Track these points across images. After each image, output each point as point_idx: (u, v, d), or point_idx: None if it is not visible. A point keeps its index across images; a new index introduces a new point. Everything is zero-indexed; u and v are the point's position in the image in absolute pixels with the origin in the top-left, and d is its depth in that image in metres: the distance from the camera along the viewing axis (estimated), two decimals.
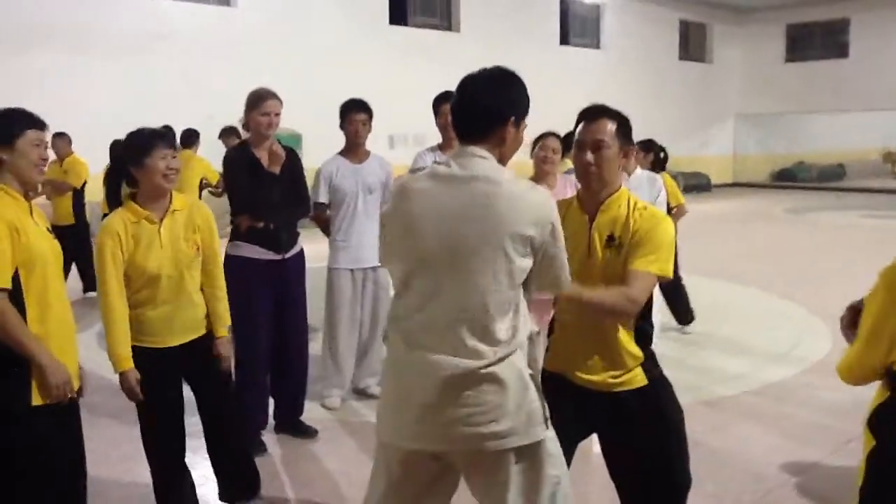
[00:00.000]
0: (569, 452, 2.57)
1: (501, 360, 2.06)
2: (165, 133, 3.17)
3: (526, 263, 2.10)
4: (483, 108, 2.17)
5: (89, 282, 8.03)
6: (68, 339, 2.71)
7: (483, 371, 2.04)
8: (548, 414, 2.17)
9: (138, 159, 3.02)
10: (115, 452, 4.14)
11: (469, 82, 2.20)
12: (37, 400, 2.58)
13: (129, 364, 3.01)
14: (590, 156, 2.48)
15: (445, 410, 2.07)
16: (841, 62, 22.85)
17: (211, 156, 8.48)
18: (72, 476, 2.75)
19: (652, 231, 2.46)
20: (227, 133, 8.54)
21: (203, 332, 3.28)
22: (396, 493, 2.23)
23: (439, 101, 4.70)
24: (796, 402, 5.06)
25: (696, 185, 21.38)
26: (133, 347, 3.05)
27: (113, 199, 2.98)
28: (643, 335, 2.56)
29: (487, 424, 2.06)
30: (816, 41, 23.99)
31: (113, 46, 12.18)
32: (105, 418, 4.56)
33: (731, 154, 25.46)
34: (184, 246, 3.13)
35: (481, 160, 2.13)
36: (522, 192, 2.11)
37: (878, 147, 29.01)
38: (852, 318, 1.72)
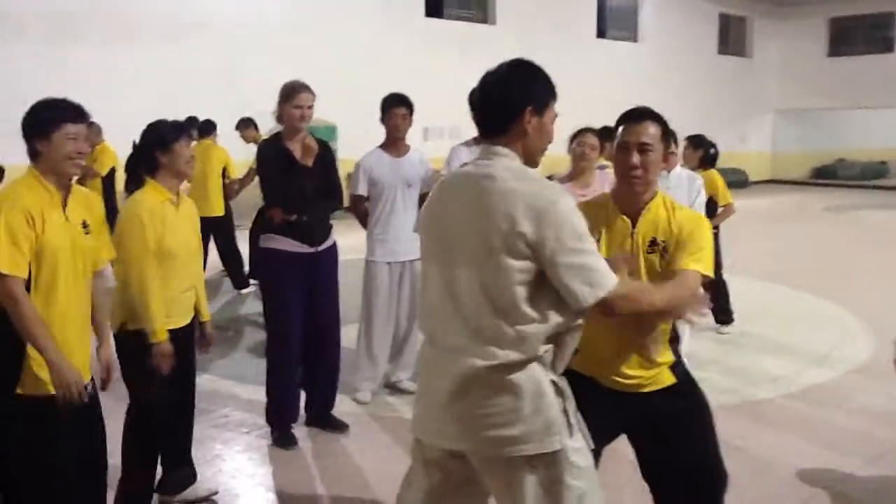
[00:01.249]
0: (595, 456, 2.53)
1: (515, 363, 2.00)
2: (186, 125, 3.35)
3: (522, 265, 1.96)
4: (496, 102, 2.12)
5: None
6: (73, 337, 2.65)
7: (495, 373, 2.00)
8: (573, 423, 2.10)
9: (166, 145, 3.17)
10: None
11: (485, 77, 2.16)
12: (30, 389, 2.55)
13: (165, 335, 3.15)
14: (636, 158, 2.43)
15: (460, 410, 2.05)
16: (886, 57, 22.31)
17: (238, 149, 8.55)
18: (86, 475, 2.71)
19: (696, 232, 2.44)
20: (244, 124, 8.58)
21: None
22: (437, 492, 2.21)
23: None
24: (836, 407, 4.93)
25: (734, 181, 20.88)
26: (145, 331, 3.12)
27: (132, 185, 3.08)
28: (675, 336, 2.54)
29: (500, 428, 2.01)
30: (860, 35, 23.44)
31: (148, 35, 12.21)
32: None
33: (770, 150, 25.01)
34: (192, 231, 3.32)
35: (499, 158, 2.08)
36: (519, 187, 1.99)
37: None
38: None
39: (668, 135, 2.51)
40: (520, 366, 2.00)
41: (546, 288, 2.01)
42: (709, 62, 22.16)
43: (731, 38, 23.57)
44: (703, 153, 6.27)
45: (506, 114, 2.10)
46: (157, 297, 3.11)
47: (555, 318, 2.02)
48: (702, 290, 2.39)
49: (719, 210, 6.18)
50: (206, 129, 8.23)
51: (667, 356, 2.51)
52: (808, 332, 6.72)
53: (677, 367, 2.53)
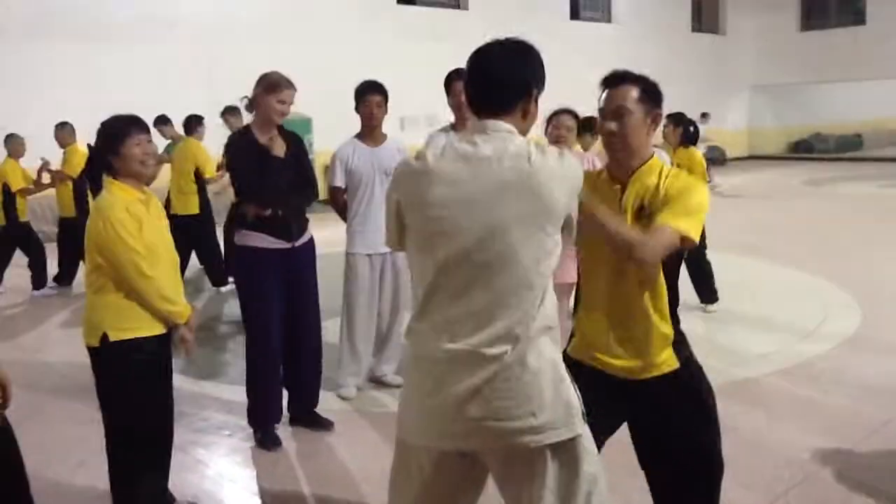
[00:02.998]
0: (598, 446, 2.45)
1: (531, 346, 1.92)
2: (139, 119, 3.10)
3: (556, 239, 2.00)
4: (506, 80, 2.03)
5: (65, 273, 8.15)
6: None
7: (514, 360, 1.91)
8: (583, 407, 2.03)
9: (114, 147, 2.99)
10: (71, 456, 4.02)
11: (486, 53, 2.05)
12: None
13: (189, 310, 3.12)
14: (612, 124, 2.34)
15: (477, 405, 1.93)
16: (857, 29, 22.41)
17: (218, 144, 8.37)
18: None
19: (684, 191, 2.30)
20: (230, 112, 8.39)
21: None
22: (430, 495, 2.11)
23: (451, 79, 4.55)
24: (827, 382, 4.89)
25: (711, 158, 20.99)
26: (133, 340, 2.98)
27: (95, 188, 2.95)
28: (675, 315, 2.42)
29: (525, 418, 1.92)
30: (832, 8, 23.52)
31: (122, 34, 12.11)
32: (61, 422, 4.49)
33: (747, 127, 25.08)
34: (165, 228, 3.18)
35: (509, 135, 1.99)
36: (554, 164, 1.97)
37: (895, 116, 28.51)
38: None
39: (652, 94, 2.37)
40: (535, 348, 1.93)
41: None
42: (683, 41, 22.16)
43: (705, 15, 23.58)
44: (683, 130, 6.22)
45: (514, 94, 2.03)
46: (163, 281, 3.00)
47: (554, 301, 2.03)
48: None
49: None
50: (190, 124, 8.06)
51: (665, 338, 2.39)
52: (794, 307, 6.70)
53: (681, 351, 2.43)
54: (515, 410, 1.91)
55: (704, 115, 16.30)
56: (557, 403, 1.94)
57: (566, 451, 1.98)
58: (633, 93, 2.34)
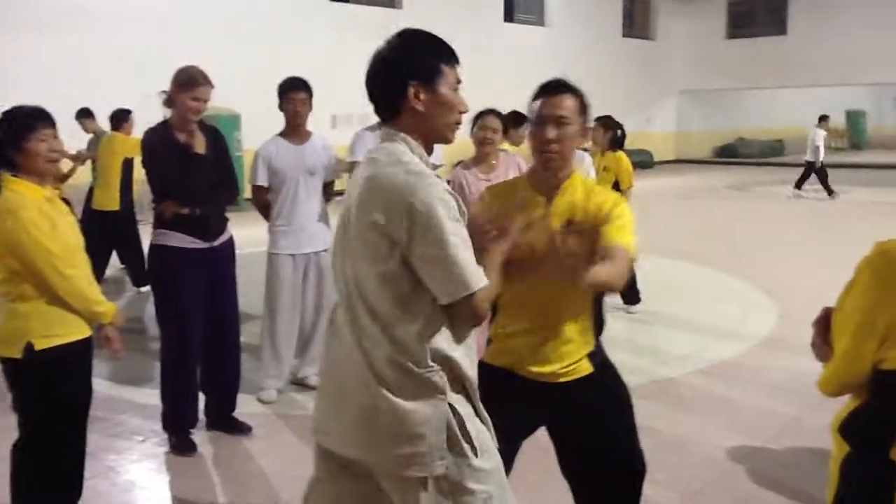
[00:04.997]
0: (512, 450, 2.44)
1: (412, 376, 1.84)
2: (44, 111, 2.89)
3: (393, 264, 1.80)
4: (379, 82, 1.93)
5: None
6: None
7: (391, 387, 1.84)
8: (476, 445, 1.92)
9: (16, 142, 2.78)
10: None
11: (373, 54, 1.97)
12: None
13: (114, 309, 3.00)
14: (551, 132, 2.30)
15: (362, 423, 1.89)
16: (780, 39, 23.16)
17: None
18: None
19: (617, 210, 2.33)
20: (84, 115, 8.18)
21: None
22: (344, 498, 2.05)
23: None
24: (744, 382, 5.02)
25: (639, 161, 21.43)
26: (62, 346, 2.84)
27: None
28: (600, 323, 2.44)
29: (401, 446, 1.86)
30: (757, 18, 24.26)
31: (42, 24, 11.67)
32: None
33: (675, 130, 25.68)
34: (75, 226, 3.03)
35: (388, 142, 1.92)
36: (382, 172, 1.83)
37: (815, 122, 29.54)
38: (823, 329, 1.51)
39: (585, 107, 2.39)
40: (417, 379, 1.84)
41: (424, 290, 1.85)
42: (614, 45, 22.54)
43: (636, 21, 24.04)
44: (612, 135, 6.29)
45: (389, 93, 1.91)
46: (83, 281, 2.86)
47: (430, 320, 1.86)
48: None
49: (625, 192, 6.20)
50: (116, 118, 7.80)
51: (586, 345, 2.41)
52: (714, 309, 6.87)
53: (596, 356, 2.44)
54: (395, 438, 1.86)
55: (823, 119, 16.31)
56: (439, 436, 1.86)
57: (447, 479, 1.89)
58: (573, 103, 2.34)
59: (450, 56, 1.95)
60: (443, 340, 1.87)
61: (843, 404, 1.56)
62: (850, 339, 1.45)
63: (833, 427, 1.55)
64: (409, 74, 1.89)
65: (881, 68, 21.30)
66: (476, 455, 1.91)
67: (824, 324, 1.56)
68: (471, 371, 1.96)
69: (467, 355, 1.94)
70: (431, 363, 1.85)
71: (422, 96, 1.89)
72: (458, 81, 1.95)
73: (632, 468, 2.49)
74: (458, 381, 1.92)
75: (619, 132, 6.41)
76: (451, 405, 1.88)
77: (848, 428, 1.51)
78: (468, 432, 1.90)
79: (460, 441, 1.89)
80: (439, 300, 1.83)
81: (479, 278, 1.82)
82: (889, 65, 21.06)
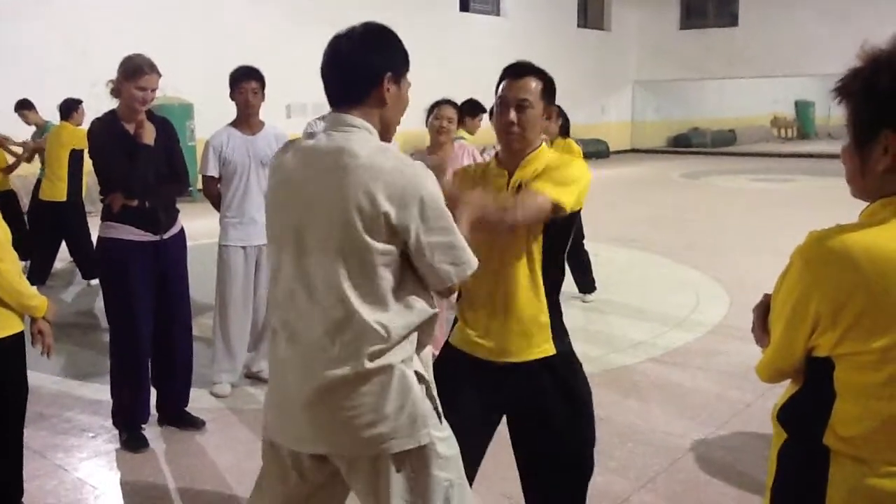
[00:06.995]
0: (483, 438, 2.44)
1: (378, 359, 1.84)
2: None
3: (385, 248, 1.81)
4: (355, 68, 1.92)
5: None
6: None
7: (357, 371, 1.84)
8: (440, 411, 1.98)
9: None
10: None
11: (336, 41, 1.95)
12: None
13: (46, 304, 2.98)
14: (513, 115, 2.31)
15: (322, 412, 1.88)
16: (732, 30, 23.52)
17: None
18: None
19: (563, 167, 2.31)
20: (24, 106, 8.01)
21: None
22: (294, 496, 2.04)
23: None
24: (695, 369, 5.10)
25: (595, 151, 21.66)
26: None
27: None
28: (556, 305, 2.41)
29: (365, 428, 1.86)
30: (710, 9, 24.60)
31: None
32: None
33: (630, 120, 25.95)
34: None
35: (356, 130, 1.89)
36: (382, 164, 1.81)
37: (766, 113, 30.16)
38: (762, 315, 1.54)
39: (550, 90, 2.39)
40: (383, 362, 1.85)
41: (407, 274, 1.87)
42: (570, 36, 22.65)
43: (591, 11, 24.20)
44: (563, 122, 6.38)
45: (364, 81, 1.91)
46: (15, 275, 2.81)
47: (417, 305, 1.89)
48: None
49: None
50: (66, 108, 7.59)
51: (544, 326, 2.38)
52: (667, 297, 6.96)
53: (561, 339, 2.41)
54: (358, 420, 1.85)
55: None
56: (402, 413, 1.87)
57: (413, 460, 1.92)
58: (536, 86, 2.34)
59: (408, 60, 2.00)
60: (412, 320, 1.90)
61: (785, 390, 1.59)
62: (783, 326, 1.48)
63: (772, 414, 1.57)
64: (387, 65, 1.93)
65: (830, 60, 21.60)
66: (440, 421, 1.96)
67: (763, 310, 1.58)
68: (428, 356, 1.99)
69: (428, 335, 1.97)
70: (398, 344, 1.87)
71: (391, 89, 1.93)
72: (409, 85, 2.01)
73: (583, 470, 2.49)
74: (419, 362, 1.95)
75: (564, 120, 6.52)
76: (416, 372, 1.91)
77: (784, 414, 1.54)
78: (433, 397, 1.96)
79: (430, 412, 1.93)
80: (442, 284, 1.89)
81: (474, 257, 1.93)
82: (838, 56, 21.41)
